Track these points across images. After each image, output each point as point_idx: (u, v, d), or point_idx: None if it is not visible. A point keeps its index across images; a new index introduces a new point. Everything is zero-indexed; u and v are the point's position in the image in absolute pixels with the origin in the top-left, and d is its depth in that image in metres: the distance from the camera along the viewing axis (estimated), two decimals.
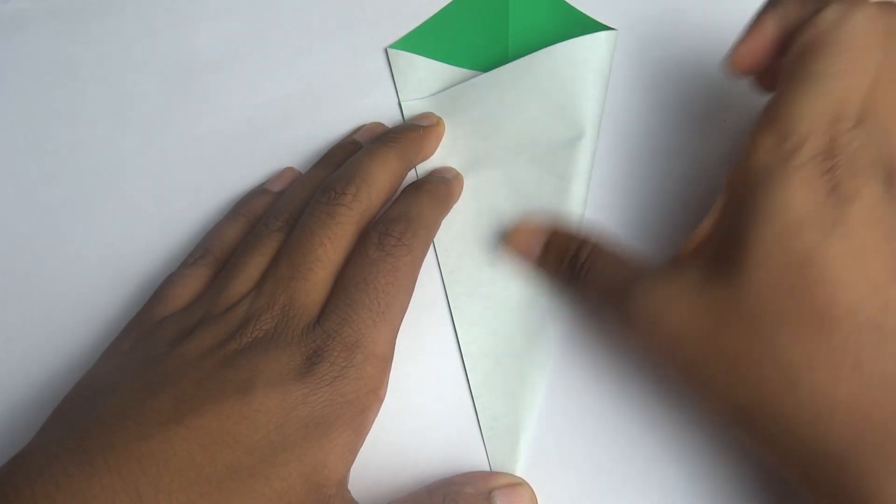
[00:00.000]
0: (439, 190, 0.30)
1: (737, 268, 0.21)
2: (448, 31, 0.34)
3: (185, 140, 0.34)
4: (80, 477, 0.20)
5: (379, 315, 0.25)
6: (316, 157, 0.32)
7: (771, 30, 0.25)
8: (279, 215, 0.28)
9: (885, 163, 0.21)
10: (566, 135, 0.31)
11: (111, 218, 0.33)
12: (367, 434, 0.25)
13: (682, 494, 0.27)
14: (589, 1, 0.33)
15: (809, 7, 0.23)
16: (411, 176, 0.32)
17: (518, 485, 0.26)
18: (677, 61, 0.33)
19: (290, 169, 0.32)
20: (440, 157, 0.32)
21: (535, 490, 0.27)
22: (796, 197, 0.21)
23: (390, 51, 0.34)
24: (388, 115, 0.33)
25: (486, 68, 0.33)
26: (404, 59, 0.34)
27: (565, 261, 0.28)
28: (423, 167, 0.32)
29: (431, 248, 0.31)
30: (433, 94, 0.33)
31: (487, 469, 0.28)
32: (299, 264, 0.26)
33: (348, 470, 0.24)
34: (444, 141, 0.32)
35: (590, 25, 0.33)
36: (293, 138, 0.33)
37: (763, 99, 0.24)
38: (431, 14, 0.34)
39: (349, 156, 0.30)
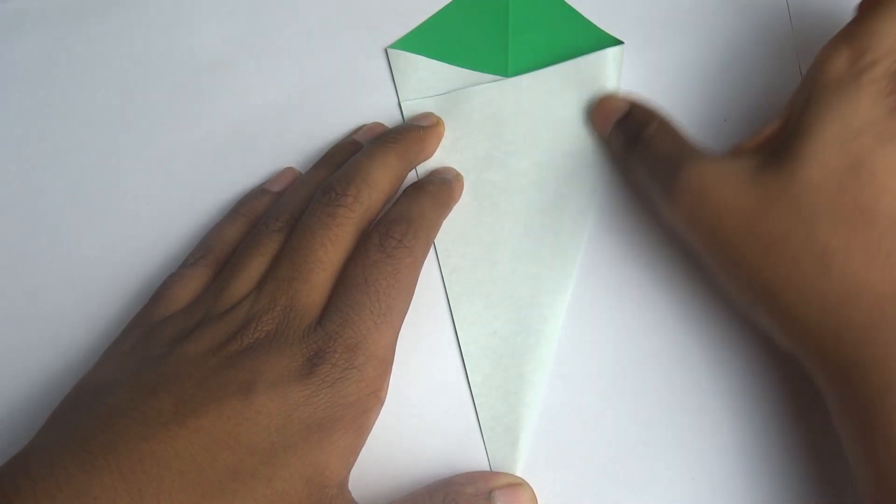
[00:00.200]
0: (440, 191, 0.30)
1: (792, 159, 0.23)
2: (448, 31, 0.34)
3: (186, 140, 0.33)
4: (81, 477, 0.20)
5: (380, 317, 0.25)
6: (316, 157, 0.32)
7: None
8: (279, 216, 0.28)
9: None
10: (569, 146, 0.31)
11: (111, 218, 0.33)
12: (368, 435, 0.25)
13: (682, 494, 0.27)
14: (589, 4, 0.33)
15: None
16: (412, 176, 0.32)
17: (518, 485, 0.26)
18: (677, 62, 0.33)
19: (290, 169, 0.32)
20: (440, 157, 0.32)
21: (535, 490, 0.27)
22: (862, 107, 0.23)
23: (390, 51, 0.34)
24: (388, 115, 0.33)
25: (486, 68, 0.33)
26: (404, 59, 0.34)
27: (633, 129, 0.29)
28: (424, 167, 0.32)
29: (432, 248, 0.31)
30: (433, 95, 0.33)
31: (487, 469, 0.28)
32: (300, 265, 0.26)
33: (349, 471, 0.24)
34: (445, 141, 0.32)
35: (588, 27, 0.33)
36: (293, 138, 0.33)
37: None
38: (431, 14, 0.34)
39: (349, 156, 0.30)
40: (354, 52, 0.34)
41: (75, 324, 0.31)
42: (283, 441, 0.23)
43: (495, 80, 0.33)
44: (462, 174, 0.32)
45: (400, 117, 0.33)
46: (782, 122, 0.25)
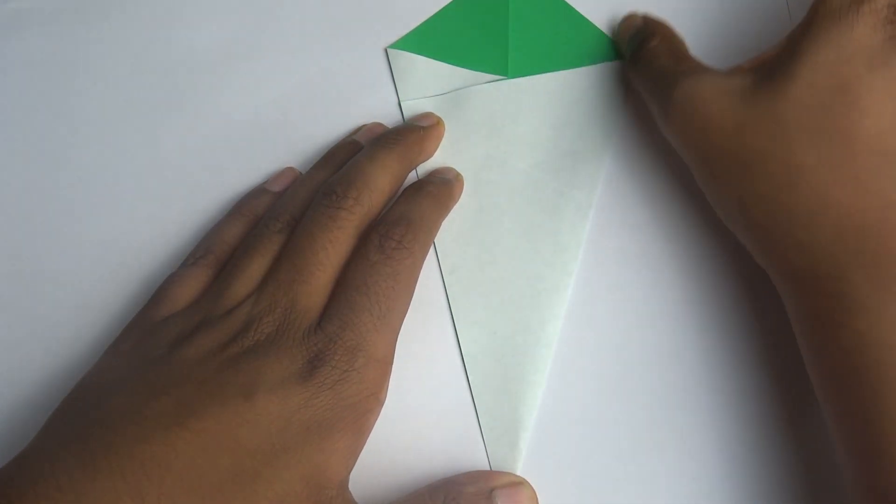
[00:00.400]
0: (440, 191, 0.30)
1: (783, 78, 0.24)
2: (448, 31, 0.34)
3: (186, 140, 0.33)
4: (82, 478, 0.21)
5: (380, 318, 0.25)
6: (316, 157, 0.32)
7: None
8: (280, 216, 0.28)
9: None
10: (570, 147, 0.31)
11: (111, 218, 0.33)
12: (368, 436, 0.25)
13: (682, 494, 0.27)
14: (589, 4, 0.33)
15: None
16: (412, 176, 0.32)
17: (519, 484, 0.26)
18: None
19: (290, 169, 0.32)
20: (441, 157, 0.32)
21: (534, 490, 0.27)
22: (857, 33, 0.23)
23: (390, 51, 0.34)
24: (388, 115, 0.33)
25: (486, 68, 0.33)
26: (404, 59, 0.34)
27: (636, 42, 0.30)
28: (424, 167, 0.32)
29: (431, 248, 0.31)
30: (433, 95, 0.33)
31: (488, 469, 0.28)
32: (301, 268, 0.26)
33: (349, 472, 0.24)
34: (445, 141, 0.32)
35: (589, 28, 0.33)
36: (293, 138, 0.33)
37: None
38: (431, 14, 0.34)
39: (349, 156, 0.30)
40: (354, 52, 0.34)
41: (75, 324, 0.31)
42: (283, 443, 0.23)
43: (495, 81, 0.33)
44: (462, 174, 0.32)
45: (400, 117, 0.33)
46: (782, 47, 0.26)
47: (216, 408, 0.23)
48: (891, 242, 0.23)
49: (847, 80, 0.23)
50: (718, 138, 0.25)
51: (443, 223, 0.31)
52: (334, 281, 0.26)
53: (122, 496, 0.20)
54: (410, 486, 0.27)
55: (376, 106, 0.33)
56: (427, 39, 0.34)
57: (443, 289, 0.30)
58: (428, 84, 0.33)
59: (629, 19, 0.32)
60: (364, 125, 0.33)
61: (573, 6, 0.33)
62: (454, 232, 0.31)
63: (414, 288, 0.27)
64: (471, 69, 0.33)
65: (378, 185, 0.28)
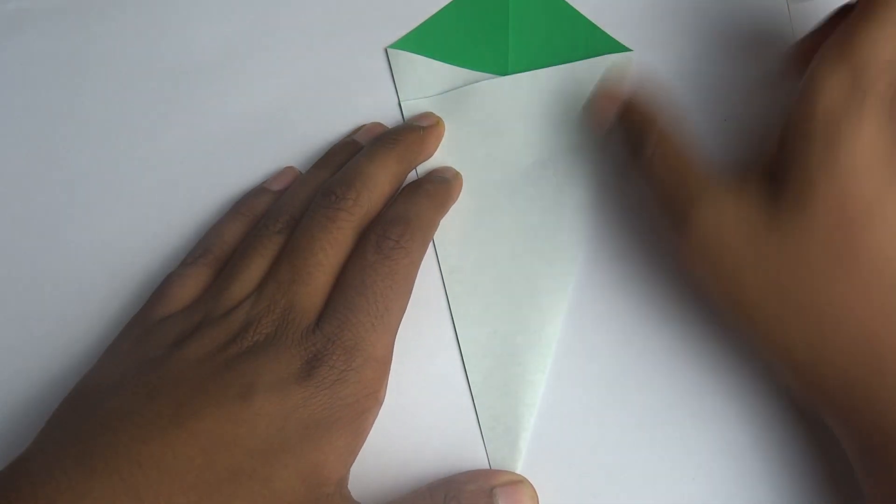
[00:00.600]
0: (438, 190, 0.30)
1: (803, 205, 0.22)
2: (448, 31, 0.34)
3: (186, 139, 0.33)
4: (80, 479, 0.21)
5: (377, 318, 0.25)
6: (316, 157, 0.32)
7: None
8: (280, 217, 0.28)
9: None
10: (569, 143, 0.31)
11: (111, 217, 0.33)
12: (366, 435, 0.25)
13: (682, 494, 0.27)
14: (590, 4, 0.34)
15: None
16: (411, 175, 0.32)
17: (519, 482, 0.26)
18: (677, 62, 0.33)
19: (290, 168, 0.32)
20: (441, 157, 0.32)
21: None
22: (866, 140, 0.21)
23: (390, 51, 0.34)
24: (388, 115, 0.33)
25: (486, 68, 0.33)
26: (404, 59, 0.34)
27: (632, 138, 0.27)
28: (424, 167, 0.32)
29: (431, 248, 0.31)
30: (433, 95, 0.33)
31: (488, 468, 0.28)
32: (300, 268, 0.26)
33: (348, 470, 0.24)
34: (445, 141, 0.32)
35: (589, 27, 0.33)
36: (293, 138, 0.33)
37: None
38: (431, 14, 0.34)
39: (349, 156, 0.30)
40: (354, 52, 0.34)
41: (75, 324, 0.31)
42: (281, 442, 0.23)
43: (495, 79, 0.33)
44: (461, 173, 0.32)
45: (400, 117, 0.33)
46: (782, 146, 0.24)
47: (214, 408, 0.23)
48: None
49: (866, 201, 0.21)
50: (750, 274, 0.23)
51: (443, 223, 0.31)
52: (333, 281, 0.26)
53: (119, 496, 0.20)
54: (410, 485, 0.27)
55: (376, 106, 0.33)
56: (427, 39, 0.34)
57: (443, 289, 0.30)
58: (428, 84, 0.33)
59: (605, 99, 0.29)
60: (364, 125, 0.33)
61: (574, 6, 0.33)
62: (454, 232, 0.31)
63: (412, 287, 0.27)
64: (471, 69, 0.33)
65: (377, 184, 0.28)
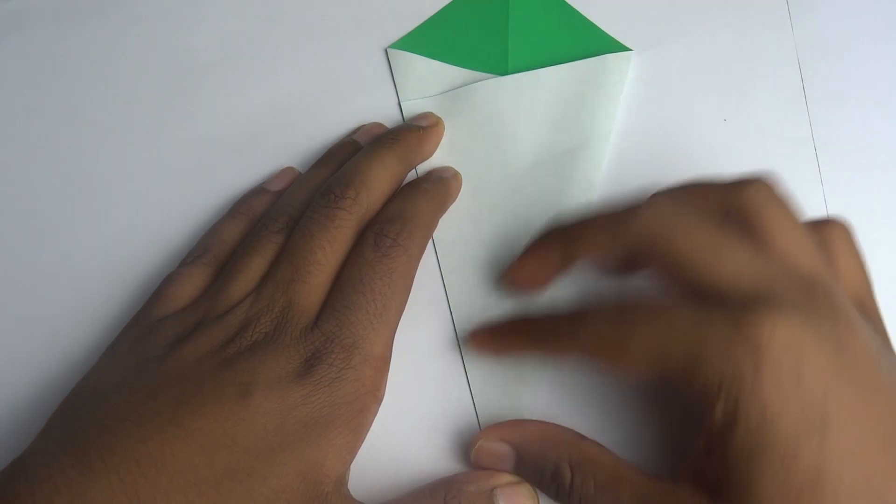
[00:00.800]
0: (436, 189, 0.30)
1: None
2: (448, 31, 0.34)
3: (185, 140, 0.34)
4: (78, 479, 0.21)
5: (376, 316, 0.25)
6: (316, 157, 0.32)
7: (555, 258, 0.26)
8: (279, 217, 0.28)
9: None
10: (570, 143, 0.31)
11: (111, 217, 0.33)
12: (366, 434, 0.25)
13: None
14: (590, 4, 0.34)
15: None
16: (411, 175, 0.32)
17: (519, 483, 0.26)
18: (677, 61, 0.33)
19: (289, 168, 0.32)
20: (441, 157, 0.32)
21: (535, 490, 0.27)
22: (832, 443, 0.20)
23: (390, 51, 0.34)
24: (388, 115, 0.33)
25: (486, 68, 0.33)
26: (404, 59, 0.34)
27: (546, 477, 0.25)
28: (423, 167, 0.32)
29: (431, 247, 0.31)
30: (433, 95, 0.33)
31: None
32: (299, 267, 0.26)
33: (347, 468, 0.24)
34: (445, 141, 0.32)
35: (589, 27, 0.33)
36: (293, 138, 0.33)
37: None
38: (431, 14, 0.34)
39: (349, 156, 0.30)
40: (354, 52, 0.34)
41: (75, 324, 0.31)
42: (279, 440, 0.23)
43: (495, 79, 0.33)
44: (461, 173, 0.32)
45: (400, 117, 0.33)
46: (712, 456, 0.21)
47: (213, 406, 0.23)
48: None
49: (809, 473, 0.19)
50: None
51: (443, 223, 0.31)
52: (332, 280, 0.26)
53: (117, 495, 0.20)
54: (410, 485, 0.27)
55: (376, 106, 0.33)
56: (427, 39, 0.34)
57: (443, 289, 0.30)
58: (428, 84, 0.33)
59: (527, 453, 0.25)
60: (363, 125, 0.33)
61: (573, 6, 0.33)
62: (454, 232, 0.31)
63: (410, 285, 0.27)
64: (471, 69, 0.33)
65: (376, 184, 0.28)
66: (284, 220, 0.28)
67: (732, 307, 0.21)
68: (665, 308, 0.22)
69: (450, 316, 0.30)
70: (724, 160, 0.31)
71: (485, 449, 0.26)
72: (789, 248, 0.23)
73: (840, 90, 0.32)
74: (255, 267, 0.27)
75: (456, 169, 0.32)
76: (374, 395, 0.25)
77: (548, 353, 0.27)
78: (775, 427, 0.20)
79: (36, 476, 0.21)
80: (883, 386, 0.21)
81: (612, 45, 0.33)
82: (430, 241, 0.31)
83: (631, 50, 0.33)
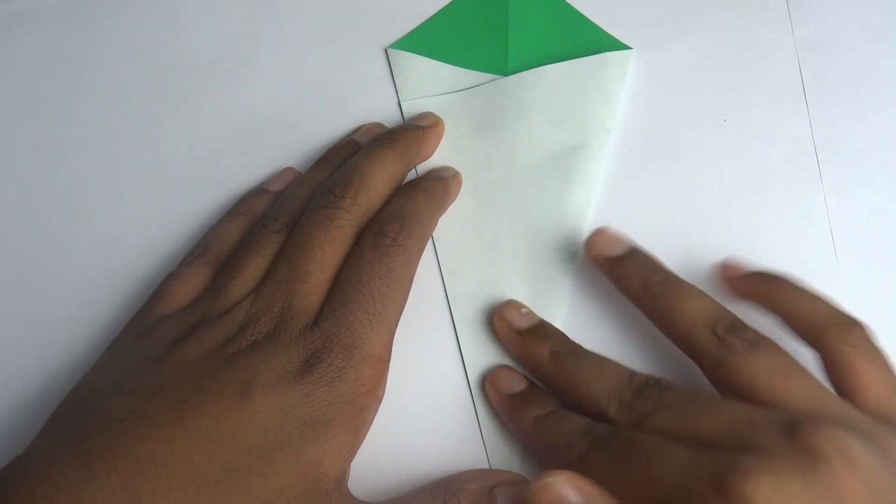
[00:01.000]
0: (436, 188, 0.30)
1: None
2: (448, 31, 0.34)
3: (185, 139, 0.34)
4: (78, 477, 0.21)
5: (375, 316, 0.25)
6: (316, 157, 0.32)
7: None
8: (279, 217, 0.28)
9: None
10: (570, 142, 0.31)
11: (111, 217, 0.33)
12: (365, 433, 0.25)
13: None
14: (590, 4, 0.34)
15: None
16: (411, 175, 0.32)
17: (520, 482, 0.26)
18: (677, 62, 0.33)
19: (289, 169, 0.32)
20: (441, 157, 0.32)
21: None
22: None
23: (390, 51, 0.34)
24: (388, 115, 0.33)
25: (486, 68, 0.33)
26: (404, 59, 0.34)
27: None
28: (423, 167, 0.32)
29: (431, 248, 0.31)
30: (433, 95, 0.33)
31: (488, 468, 0.28)
32: (299, 267, 0.26)
33: (347, 467, 0.24)
34: (445, 141, 0.32)
35: (589, 27, 0.33)
36: (293, 138, 0.33)
37: None
38: (431, 14, 0.34)
39: (348, 156, 0.30)
40: (354, 52, 0.34)
41: (75, 324, 0.31)
42: (279, 439, 0.23)
43: (495, 79, 0.33)
44: (461, 173, 0.32)
45: (400, 117, 0.33)
46: None
47: (212, 405, 0.23)
48: None
49: None
50: None
51: (443, 223, 0.31)
52: (332, 280, 0.27)
53: (117, 493, 0.20)
54: (410, 484, 0.27)
55: (376, 106, 0.33)
56: (427, 39, 0.34)
57: (443, 289, 0.30)
58: (428, 84, 0.33)
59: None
60: (363, 125, 0.33)
61: (574, 6, 0.34)
62: (454, 232, 0.31)
63: (410, 284, 0.27)
64: (471, 69, 0.33)
65: (376, 184, 0.28)
66: (284, 220, 0.28)
67: (720, 461, 0.21)
68: (662, 446, 0.22)
69: (450, 316, 0.30)
70: (724, 160, 0.31)
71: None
72: (787, 393, 0.23)
73: (840, 90, 0.32)
74: (254, 267, 0.27)
75: (456, 169, 0.32)
76: (373, 394, 0.25)
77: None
78: None
79: (36, 474, 0.21)
80: None
81: (612, 44, 0.33)
82: (430, 241, 0.31)
83: (631, 48, 0.33)
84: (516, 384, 0.28)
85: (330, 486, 0.23)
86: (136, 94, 0.34)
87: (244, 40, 0.35)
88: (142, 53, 0.35)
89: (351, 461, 0.24)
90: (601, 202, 0.31)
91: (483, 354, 0.29)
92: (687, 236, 0.30)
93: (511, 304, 0.29)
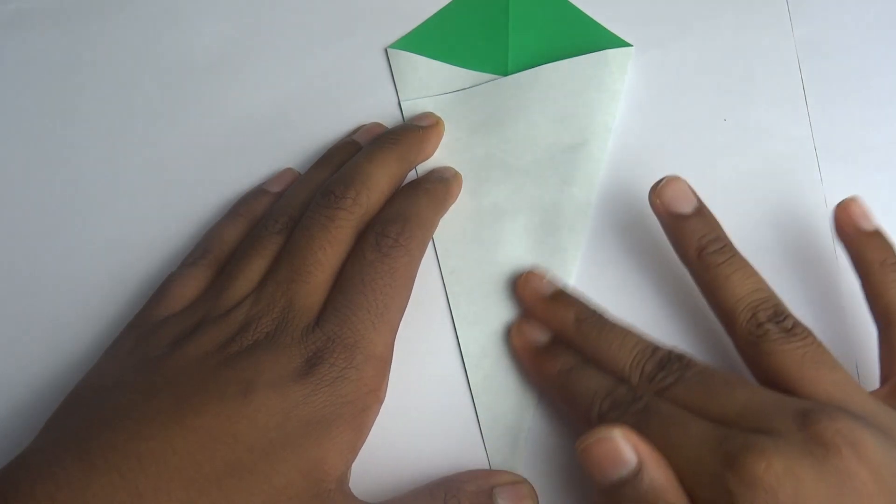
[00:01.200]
0: (437, 189, 0.30)
1: None
2: (448, 31, 0.34)
3: (186, 140, 0.34)
4: (80, 476, 0.21)
5: (377, 316, 0.25)
6: (316, 157, 0.32)
7: None
8: (279, 217, 0.28)
9: None
10: (570, 141, 0.31)
11: (111, 218, 0.33)
12: (367, 433, 0.25)
13: None
14: (590, 4, 0.34)
15: None
16: (411, 175, 0.32)
17: (519, 483, 0.26)
18: (677, 62, 0.33)
19: (289, 170, 0.32)
20: (441, 157, 0.32)
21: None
22: None
23: (390, 51, 0.34)
24: (388, 115, 0.33)
25: (487, 68, 0.33)
26: (404, 59, 0.34)
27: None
28: (424, 167, 0.32)
29: (431, 248, 0.31)
30: (433, 95, 0.33)
31: (488, 468, 0.28)
32: (299, 267, 0.26)
33: (348, 467, 0.24)
34: (445, 141, 0.32)
35: (591, 25, 0.33)
36: (293, 138, 0.33)
37: None
38: (431, 14, 0.34)
39: (348, 156, 0.30)
40: (354, 52, 0.34)
41: (75, 324, 0.31)
42: (281, 438, 0.23)
43: (495, 79, 0.33)
44: (461, 173, 0.32)
45: (400, 117, 0.33)
46: None
47: (214, 404, 0.23)
48: None
49: None
50: None
51: (443, 223, 0.31)
52: (333, 280, 0.27)
53: (119, 492, 0.20)
54: (410, 485, 0.27)
55: (376, 106, 0.33)
56: (427, 39, 0.34)
57: (443, 289, 0.30)
58: (428, 84, 0.33)
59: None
60: (363, 125, 0.33)
61: (575, 5, 0.34)
62: (454, 232, 0.31)
63: (412, 285, 0.27)
64: (471, 69, 0.33)
65: (376, 184, 0.28)
66: (284, 221, 0.28)
67: (735, 438, 0.22)
68: (680, 416, 0.23)
69: (450, 316, 0.30)
70: (724, 160, 0.31)
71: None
72: (815, 384, 0.24)
73: (840, 90, 0.32)
74: (255, 267, 0.27)
75: (456, 169, 0.32)
76: (375, 394, 0.25)
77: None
78: None
79: (38, 473, 0.21)
80: None
81: (612, 41, 0.33)
82: (430, 241, 0.31)
83: (631, 45, 0.33)
84: (541, 335, 0.28)
85: (332, 486, 0.23)
86: (136, 95, 0.34)
87: (244, 40, 0.35)
88: (142, 54, 0.35)
89: (353, 461, 0.25)
90: (601, 202, 0.31)
91: (483, 354, 0.29)
92: None
93: (533, 273, 0.29)
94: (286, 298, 0.26)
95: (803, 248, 0.29)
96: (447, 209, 0.31)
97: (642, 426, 0.23)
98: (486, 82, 0.33)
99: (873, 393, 0.24)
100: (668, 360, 0.25)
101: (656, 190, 0.28)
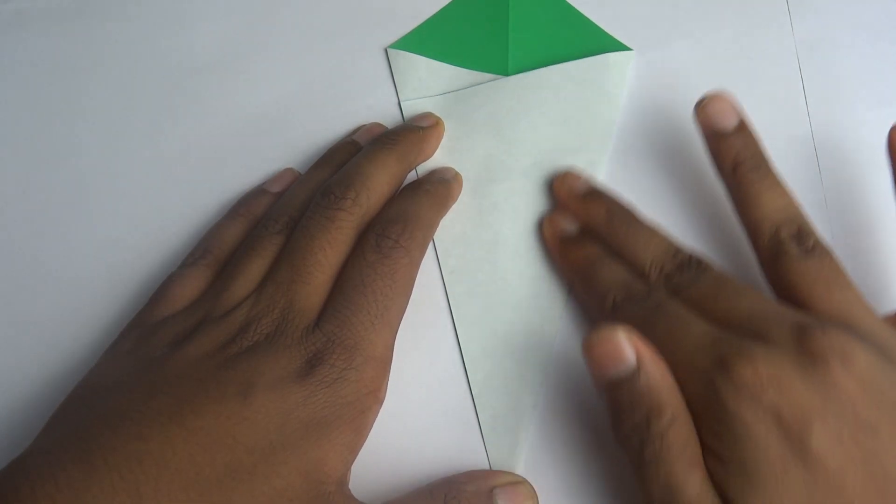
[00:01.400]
0: (438, 190, 0.30)
1: None
2: (448, 31, 0.34)
3: (185, 140, 0.34)
4: (80, 477, 0.21)
5: (377, 317, 0.25)
6: (316, 157, 0.32)
7: None
8: (279, 217, 0.28)
9: None
10: (571, 143, 0.31)
11: (111, 218, 0.33)
12: (367, 434, 0.25)
13: None
14: (590, 4, 0.34)
15: None
16: (411, 176, 0.32)
17: (519, 483, 0.26)
18: (677, 62, 0.33)
19: (289, 170, 0.32)
20: (441, 157, 0.32)
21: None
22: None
23: (390, 51, 0.34)
24: (388, 115, 0.33)
25: (487, 68, 0.33)
26: (404, 59, 0.34)
27: (624, 429, 0.24)
28: (424, 167, 0.32)
29: (431, 247, 0.31)
30: (433, 95, 0.33)
31: (488, 468, 0.28)
32: (299, 268, 0.26)
33: (348, 468, 0.24)
34: (445, 141, 0.32)
35: (590, 27, 0.33)
36: (293, 138, 0.33)
37: None
38: (431, 14, 0.34)
39: (348, 156, 0.30)
40: (354, 52, 0.34)
41: (75, 324, 0.31)
42: (281, 440, 0.23)
43: (495, 79, 0.33)
44: (461, 174, 0.32)
45: (400, 117, 0.33)
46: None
47: (214, 405, 0.23)
48: None
49: None
50: None
51: (443, 223, 0.31)
52: (333, 281, 0.26)
53: (118, 492, 0.20)
54: (410, 485, 0.27)
55: (376, 106, 0.33)
56: (427, 39, 0.34)
57: (443, 289, 0.30)
58: (428, 84, 0.33)
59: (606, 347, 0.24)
60: (363, 125, 0.33)
61: (574, 5, 0.33)
62: (454, 232, 0.31)
63: (412, 286, 0.27)
64: (471, 69, 0.33)
65: (376, 184, 0.28)
66: (284, 221, 0.28)
67: (729, 341, 0.23)
68: (685, 315, 0.25)
69: (450, 317, 0.30)
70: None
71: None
72: (825, 302, 0.25)
73: (840, 90, 0.32)
74: (255, 268, 0.27)
75: (456, 170, 0.32)
76: (375, 395, 0.25)
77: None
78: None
79: (38, 474, 0.21)
80: (873, 422, 0.21)
81: (612, 45, 0.33)
82: (431, 242, 0.31)
83: (632, 50, 0.33)
84: (571, 226, 0.30)
85: (332, 488, 0.23)
86: (136, 95, 0.34)
87: (244, 40, 0.35)
88: (142, 54, 0.35)
89: (353, 462, 0.25)
90: None
91: (483, 354, 0.29)
92: (687, 236, 0.30)
93: (570, 173, 0.30)
94: (286, 299, 0.26)
95: None
96: (448, 210, 0.31)
97: (650, 322, 0.24)
98: (487, 83, 0.33)
99: (887, 317, 0.25)
100: (688, 263, 0.27)
101: (701, 105, 0.28)
